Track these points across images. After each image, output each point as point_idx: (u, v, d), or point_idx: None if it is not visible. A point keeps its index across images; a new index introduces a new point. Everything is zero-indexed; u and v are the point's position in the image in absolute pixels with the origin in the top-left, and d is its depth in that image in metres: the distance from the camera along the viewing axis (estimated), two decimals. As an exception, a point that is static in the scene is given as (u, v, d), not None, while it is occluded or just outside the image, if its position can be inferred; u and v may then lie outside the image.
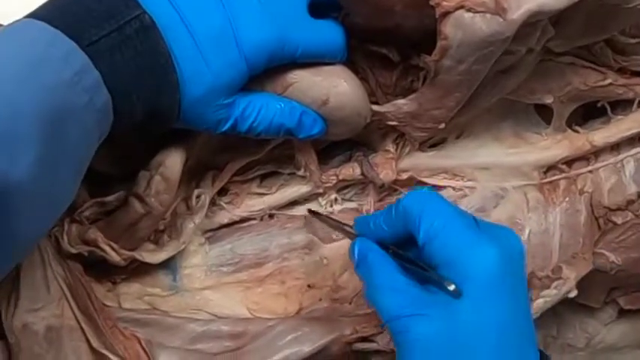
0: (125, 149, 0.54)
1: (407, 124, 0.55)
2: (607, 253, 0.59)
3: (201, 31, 0.45)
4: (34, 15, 0.42)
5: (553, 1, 0.46)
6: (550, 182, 0.61)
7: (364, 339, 0.53)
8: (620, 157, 0.62)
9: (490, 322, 0.41)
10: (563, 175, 0.61)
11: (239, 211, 0.59)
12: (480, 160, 0.61)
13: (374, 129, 0.57)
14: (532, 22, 0.47)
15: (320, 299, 0.58)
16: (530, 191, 0.61)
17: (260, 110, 0.49)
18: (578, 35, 0.55)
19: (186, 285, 0.57)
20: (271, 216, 0.60)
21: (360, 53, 0.54)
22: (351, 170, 0.59)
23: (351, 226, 0.51)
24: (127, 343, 0.50)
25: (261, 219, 0.59)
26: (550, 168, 0.61)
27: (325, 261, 0.59)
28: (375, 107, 0.54)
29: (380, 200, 0.60)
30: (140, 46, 0.43)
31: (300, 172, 0.59)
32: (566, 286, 0.55)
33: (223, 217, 0.59)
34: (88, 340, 0.49)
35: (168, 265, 0.56)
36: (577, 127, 0.62)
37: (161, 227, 0.56)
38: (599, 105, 0.61)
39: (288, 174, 0.60)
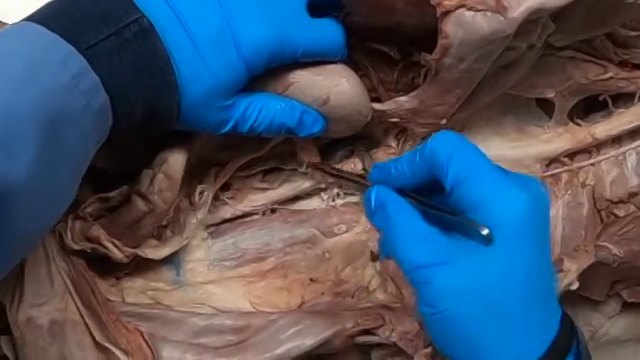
0: (126, 147, 0.54)
1: (409, 120, 0.55)
2: (609, 245, 0.59)
3: (199, 34, 0.45)
4: (32, 18, 0.43)
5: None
6: (552, 175, 0.61)
7: (366, 332, 0.53)
8: (622, 149, 0.62)
9: (519, 272, 0.41)
10: (565, 168, 0.61)
11: (241, 206, 0.59)
12: (482, 155, 0.61)
13: (375, 124, 0.57)
14: (533, 19, 0.47)
15: (322, 293, 0.58)
16: (532, 184, 0.61)
17: (261, 111, 0.49)
18: (579, 30, 0.55)
19: (189, 279, 0.57)
20: (273, 211, 0.60)
21: (361, 50, 0.55)
22: (353, 165, 0.59)
23: (360, 177, 0.50)
24: (130, 336, 0.50)
25: (264, 214, 0.59)
26: (552, 161, 0.61)
27: (327, 255, 0.59)
28: (377, 105, 0.54)
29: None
30: (138, 49, 0.44)
31: (302, 169, 0.59)
32: (568, 278, 0.55)
33: (226, 212, 0.59)
34: (91, 334, 0.50)
35: (171, 259, 0.57)
36: (579, 120, 0.62)
37: (164, 223, 0.56)
38: (600, 98, 0.61)
39: (290, 170, 0.60)
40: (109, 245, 0.52)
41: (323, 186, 0.60)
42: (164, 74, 0.45)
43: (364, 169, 0.59)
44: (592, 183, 0.61)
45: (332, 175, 0.56)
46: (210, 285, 0.57)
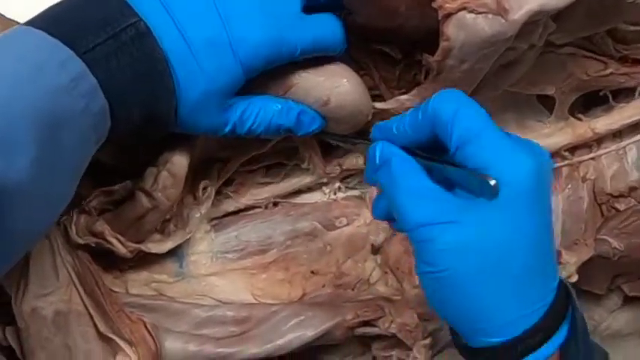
0: (128, 144, 0.54)
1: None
2: (609, 239, 0.59)
3: (194, 37, 0.45)
4: (32, 23, 0.43)
5: (554, 1, 0.47)
6: (553, 169, 0.61)
7: (366, 323, 0.54)
8: (623, 144, 0.62)
9: (522, 233, 0.40)
10: (566, 162, 0.62)
11: (244, 200, 0.59)
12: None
13: (377, 121, 0.57)
14: (534, 20, 0.47)
15: (323, 285, 0.59)
16: (532, 178, 0.61)
17: (258, 113, 0.50)
18: (580, 28, 0.55)
19: (192, 271, 0.58)
20: (275, 204, 0.60)
21: (362, 49, 0.55)
22: (355, 160, 0.59)
23: (362, 139, 0.49)
24: (134, 326, 0.51)
25: (266, 207, 0.60)
26: (552, 155, 0.61)
27: (329, 248, 0.60)
28: (378, 104, 0.54)
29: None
30: (136, 52, 0.44)
31: (304, 165, 0.59)
32: (567, 271, 0.55)
33: (229, 206, 0.59)
34: (95, 325, 0.51)
35: (175, 252, 0.57)
36: (579, 115, 0.62)
37: (167, 217, 0.57)
38: (601, 94, 0.61)
39: (293, 165, 0.60)
40: (113, 240, 0.53)
41: (325, 180, 0.60)
42: (162, 78, 0.45)
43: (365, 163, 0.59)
44: (592, 177, 0.62)
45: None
46: (213, 277, 0.58)
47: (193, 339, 0.52)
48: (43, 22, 0.43)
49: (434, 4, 0.46)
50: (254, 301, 0.57)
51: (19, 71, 0.40)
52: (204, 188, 0.57)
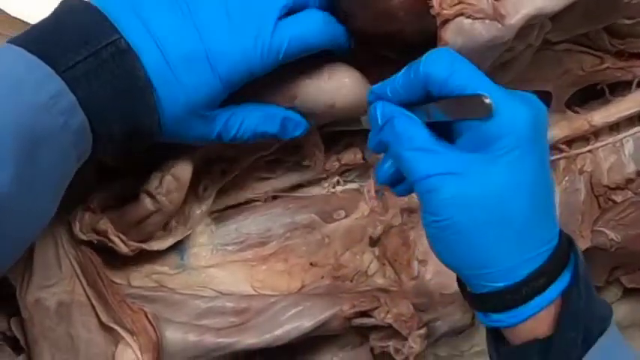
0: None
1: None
2: (606, 230, 0.59)
3: (173, 53, 0.46)
4: (13, 41, 0.44)
5: (550, 4, 0.47)
6: (550, 162, 0.62)
7: (362, 314, 0.54)
8: (620, 136, 0.62)
9: (523, 181, 0.41)
10: (563, 154, 0.62)
11: (245, 194, 0.60)
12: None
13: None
14: (531, 23, 0.48)
15: (322, 277, 0.59)
16: (530, 171, 0.61)
17: (242, 121, 0.50)
18: (576, 26, 0.55)
19: (192, 263, 0.58)
20: (275, 197, 0.61)
21: (361, 50, 0.55)
22: (353, 155, 0.60)
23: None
24: (135, 316, 0.52)
25: (265, 200, 0.61)
26: (550, 148, 0.61)
27: (327, 240, 0.60)
28: None
29: (382, 181, 0.61)
30: (116, 69, 0.44)
31: (306, 162, 0.60)
32: (562, 262, 0.56)
33: (229, 199, 0.60)
34: (97, 315, 0.52)
35: (176, 245, 0.58)
36: (576, 108, 0.62)
37: (169, 216, 0.57)
38: (598, 87, 0.62)
39: (293, 162, 0.61)
40: (116, 239, 0.54)
41: (324, 176, 0.61)
42: (142, 94, 0.46)
43: (364, 158, 0.60)
44: (589, 169, 0.62)
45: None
46: (213, 269, 0.58)
47: (193, 329, 0.53)
48: (23, 39, 0.44)
49: (432, 11, 0.47)
50: (253, 293, 0.58)
51: None
52: (205, 188, 0.58)
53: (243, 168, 0.59)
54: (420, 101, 0.44)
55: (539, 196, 0.42)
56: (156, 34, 0.46)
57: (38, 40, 0.44)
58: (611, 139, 0.62)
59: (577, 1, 0.48)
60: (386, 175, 0.48)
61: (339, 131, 0.61)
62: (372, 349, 0.58)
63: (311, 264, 0.60)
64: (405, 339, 0.54)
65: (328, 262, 0.60)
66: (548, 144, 0.45)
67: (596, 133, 0.62)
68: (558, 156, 0.62)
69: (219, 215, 0.60)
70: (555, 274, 0.43)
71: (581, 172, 0.62)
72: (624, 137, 0.62)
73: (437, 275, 0.59)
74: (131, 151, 0.50)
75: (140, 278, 0.57)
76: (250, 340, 0.53)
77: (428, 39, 0.49)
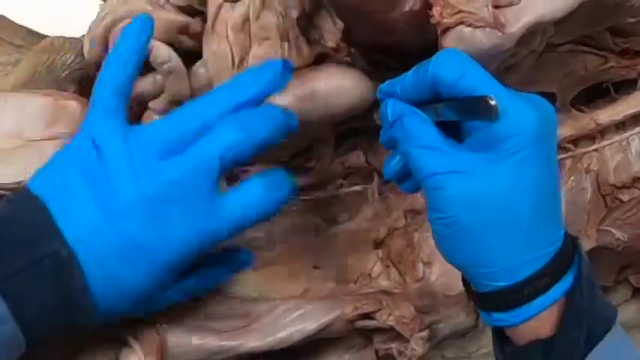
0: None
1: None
2: (613, 230, 0.59)
3: (109, 256, 0.46)
4: None
5: (551, 12, 0.47)
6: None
7: (365, 316, 0.54)
8: (626, 135, 0.61)
9: (530, 182, 0.42)
10: (569, 153, 0.61)
11: (249, 196, 0.60)
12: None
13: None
14: (532, 31, 0.48)
15: (325, 280, 0.59)
16: (536, 170, 0.61)
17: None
18: (579, 29, 0.55)
19: (196, 267, 0.59)
20: (279, 200, 0.61)
21: (361, 58, 0.55)
22: (357, 158, 0.60)
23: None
24: (138, 319, 0.52)
25: (269, 203, 0.60)
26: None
27: (331, 243, 0.60)
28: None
29: (385, 184, 0.61)
30: (55, 281, 0.44)
31: (310, 164, 0.60)
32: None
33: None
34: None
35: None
36: (582, 107, 0.62)
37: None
38: (603, 86, 0.61)
39: (296, 166, 0.60)
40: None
41: (327, 178, 0.61)
42: (78, 306, 0.45)
43: (367, 160, 0.60)
44: (596, 168, 0.61)
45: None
46: (217, 272, 0.59)
47: (197, 332, 0.53)
48: None
49: (432, 20, 0.47)
50: (257, 295, 0.58)
51: None
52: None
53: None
54: (428, 100, 0.44)
55: (544, 198, 0.43)
56: (92, 241, 0.45)
57: None
58: (617, 138, 0.61)
59: (579, 7, 0.47)
60: (393, 171, 0.48)
61: (343, 134, 0.61)
62: (376, 351, 0.58)
63: (315, 267, 0.60)
64: (408, 341, 0.54)
65: (332, 265, 0.60)
66: (556, 141, 0.45)
67: (602, 131, 0.62)
68: (564, 155, 0.61)
69: (223, 218, 0.60)
70: (558, 275, 0.43)
71: (587, 171, 0.61)
72: (630, 135, 0.61)
73: (442, 276, 0.58)
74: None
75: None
76: (254, 343, 0.54)
77: (428, 49, 0.49)
